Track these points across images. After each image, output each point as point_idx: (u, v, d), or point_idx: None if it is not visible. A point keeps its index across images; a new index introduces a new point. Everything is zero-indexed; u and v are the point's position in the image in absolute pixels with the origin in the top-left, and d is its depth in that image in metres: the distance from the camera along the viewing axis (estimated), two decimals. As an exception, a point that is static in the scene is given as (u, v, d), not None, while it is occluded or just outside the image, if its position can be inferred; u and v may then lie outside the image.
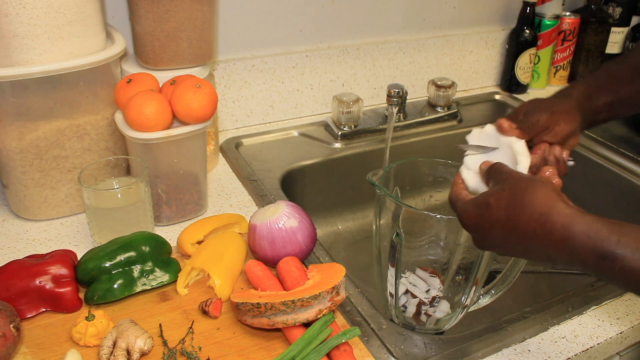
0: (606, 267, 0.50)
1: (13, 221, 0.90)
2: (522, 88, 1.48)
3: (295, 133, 1.22)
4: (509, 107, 1.43)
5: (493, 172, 0.62)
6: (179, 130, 0.83)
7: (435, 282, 0.75)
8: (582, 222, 0.52)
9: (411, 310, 0.75)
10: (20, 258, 0.75)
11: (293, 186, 1.10)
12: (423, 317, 0.76)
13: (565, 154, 0.72)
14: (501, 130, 0.70)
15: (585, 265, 0.52)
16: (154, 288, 0.76)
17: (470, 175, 0.69)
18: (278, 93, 1.22)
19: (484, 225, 0.58)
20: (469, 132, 0.74)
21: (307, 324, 0.68)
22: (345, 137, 1.20)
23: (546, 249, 0.54)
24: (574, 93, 0.75)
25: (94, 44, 0.84)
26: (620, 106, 0.76)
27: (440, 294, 0.75)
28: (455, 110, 1.32)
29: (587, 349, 0.73)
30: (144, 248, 0.75)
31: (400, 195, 0.80)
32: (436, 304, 0.75)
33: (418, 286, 0.76)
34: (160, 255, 0.78)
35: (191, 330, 0.70)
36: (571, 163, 0.73)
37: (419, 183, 0.82)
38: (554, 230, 0.52)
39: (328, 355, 0.65)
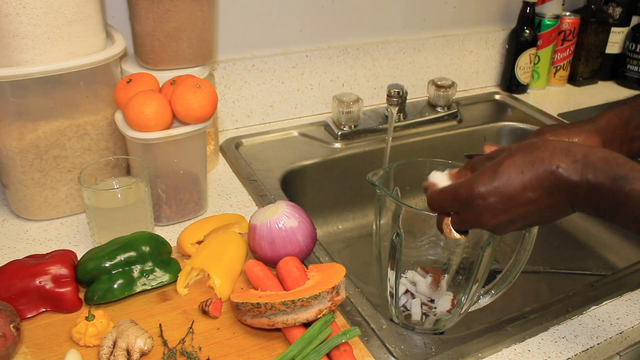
0: (618, 187, 0.55)
1: (13, 221, 0.90)
2: (522, 88, 1.48)
3: (295, 133, 1.22)
4: (509, 107, 1.43)
5: (479, 160, 0.63)
6: (179, 130, 0.83)
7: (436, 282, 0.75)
8: (600, 150, 0.57)
9: (417, 312, 0.75)
10: (20, 258, 0.75)
11: (293, 186, 1.10)
12: (422, 317, 0.76)
13: None
14: None
15: (600, 190, 0.56)
16: (154, 288, 0.76)
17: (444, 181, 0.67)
18: (278, 93, 1.22)
19: (498, 186, 0.58)
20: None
21: (307, 324, 0.68)
22: (345, 137, 1.20)
23: (569, 181, 0.57)
24: (600, 119, 0.76)
25: (94, 44, 0.84)
26: None
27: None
28: (455, 110, 1.32)
29: (587, 349, 0.72)
30: (144, 248, 0.75)
31: (400, 195, 0.80)
32: (435, 305, 0.75)
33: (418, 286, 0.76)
34: (160, 255, 0.78)
35: (191, 330, 0.70)
36: None
37: (419, 183, 0.81)
38: (577, 159, 0.57)
39: (328, 355, 0.65)
